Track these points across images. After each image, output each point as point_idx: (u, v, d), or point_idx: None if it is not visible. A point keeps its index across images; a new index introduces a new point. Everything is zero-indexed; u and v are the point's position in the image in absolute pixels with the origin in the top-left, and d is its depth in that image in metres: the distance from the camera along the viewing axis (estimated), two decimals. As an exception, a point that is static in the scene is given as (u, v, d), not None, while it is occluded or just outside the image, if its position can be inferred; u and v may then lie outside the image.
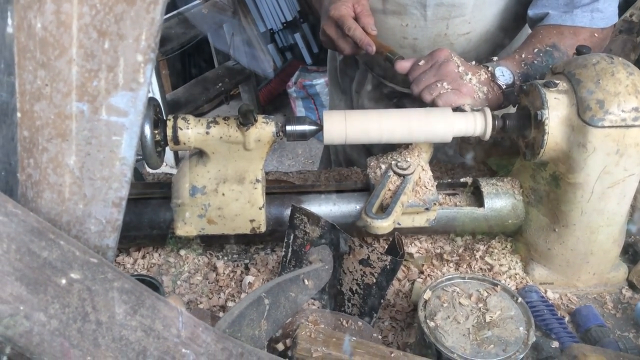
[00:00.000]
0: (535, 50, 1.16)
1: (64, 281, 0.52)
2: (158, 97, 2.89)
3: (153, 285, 1.01)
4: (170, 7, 3.46)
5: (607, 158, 0.95)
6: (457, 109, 1.07)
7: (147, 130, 0.94)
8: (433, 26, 1.33)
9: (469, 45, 1.37)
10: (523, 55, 1.16)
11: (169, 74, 3.52)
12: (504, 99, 1.13)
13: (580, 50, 1.04)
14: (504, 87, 1.11)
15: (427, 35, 1.35)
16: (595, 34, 1.20)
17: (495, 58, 1.18)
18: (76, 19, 0.51)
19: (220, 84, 3.54)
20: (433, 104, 1.10)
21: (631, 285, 1.09)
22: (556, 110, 0.96)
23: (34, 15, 0.51)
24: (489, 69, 1.14)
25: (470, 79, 1.10)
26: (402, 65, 1.18)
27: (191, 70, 3.77)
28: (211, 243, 1.18)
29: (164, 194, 1.09)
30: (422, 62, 1.15)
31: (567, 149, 0.97)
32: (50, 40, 0.52)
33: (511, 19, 1.35)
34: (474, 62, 1.16)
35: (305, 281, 0.85)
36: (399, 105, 1.47)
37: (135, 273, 1.12)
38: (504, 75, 1.12)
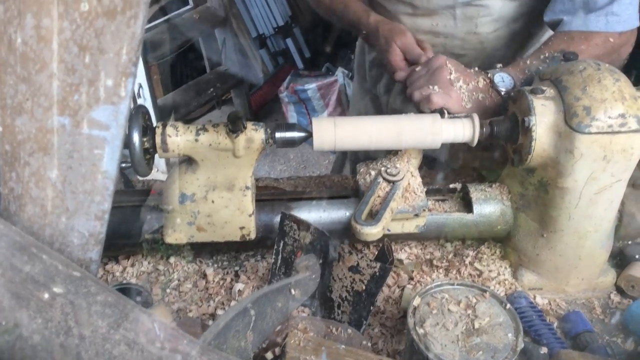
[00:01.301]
0: (542, 57, 1.17)
1: (46, 295, 0.52)
2: (149, 102, 2.88)
3: (141, 294, 1.01)
4: (161, 13, 3.45)
5: (594, 164, 0.95)
6: (439, 111, 1.08)
7: (136, 138, 0.94)
8: (462, 25, 1.37)
9: (499, 42, 1.40)
10: (528, 62, 1.17)
11: (161, 79, 3.51)
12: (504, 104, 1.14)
13: (567, 57, 1.05)
14: (503, 92, 1.13)
15: (457, 34, 1.39)
16: (611, 39, 1.19)
17: (499, 65, 1.20)
18: (56, 33, 0.51)
19: (212, 89, 3.53)
20: (422, 103, 1.13)
21: (619, 290, 1.10)
22: (543, 116, 0.97)
23: (14, 30, 0.51)
24: (489, 75, 1.16)
25: (461, 86, 1.14)
26: (399, 75, 1.25)
27: (183, 75, 3.76)
28: (201, 250, 1.17)
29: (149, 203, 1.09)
30: (418, 68, 1.21)
31: (554, 155, 0.97)
32: (31, 55, 0.52)
33: (540, 18, 1.35)
34: (476, 68, 1.19)
35: (292, 291, 0.85)
36: None
37: (124, 282, 1.11)
38: (504, 81, 1.14)
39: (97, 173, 0.57)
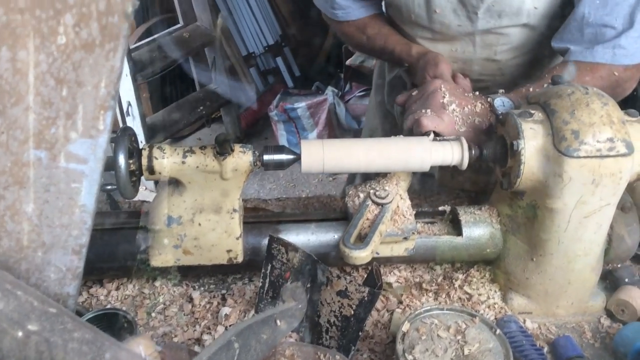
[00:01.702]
0: (545, 85, 1.17)
1: (20, 333, 0.50)
2: (138, 121, 2.87)
3: (126, 319, 0.99)
4: (152, 31, 3.46)
5: (583, 188, 0.95)
6: (426, 134, 1.09)
7: (122, 160, 0.93)
8: (482, 51, 1.37)
9: (518, 70, 1.40)
10: (531, 89, 1.17)
11: (150, 98, 3.49)
12: None
13: (555, 81, 1.05)
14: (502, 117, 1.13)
15: (476, 60, 1.39)
16: (616, 72, 1.18)
17: (501, 90, 1.20)
18: (32, 66, 0.50)
19: (201, 107, 3.52)
20: (414, 126, 1.12)
21: (609, 314, 1.09)
22: (532, 140, 0.96)
23: (-11, 63, 0.50)
24: (489, 99, 1.16)
25: (454, 109, 1.13)
26: (399, 99, 1.26)
27: (172, 93, 3.75)
28: (187, 273, 1.16)
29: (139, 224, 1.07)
30: (414, 93, 1.21)
31: (543, 178, 0.97)
32: (6, 88, 0.50)
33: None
34: (477, 92, 1.19)
35: (278, 322, 0.83)
36: None
37: (108, 306, 1.09)
38: (505, 105, 1.14)
39: (75, 207, 0.55)
